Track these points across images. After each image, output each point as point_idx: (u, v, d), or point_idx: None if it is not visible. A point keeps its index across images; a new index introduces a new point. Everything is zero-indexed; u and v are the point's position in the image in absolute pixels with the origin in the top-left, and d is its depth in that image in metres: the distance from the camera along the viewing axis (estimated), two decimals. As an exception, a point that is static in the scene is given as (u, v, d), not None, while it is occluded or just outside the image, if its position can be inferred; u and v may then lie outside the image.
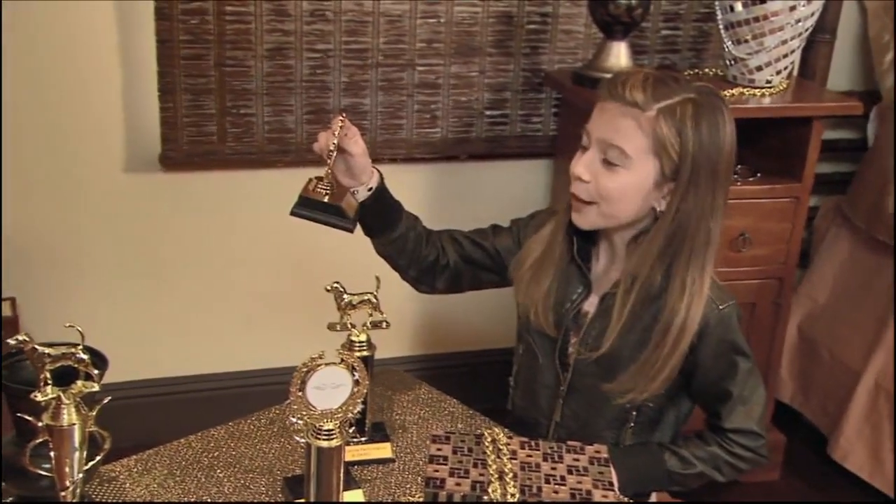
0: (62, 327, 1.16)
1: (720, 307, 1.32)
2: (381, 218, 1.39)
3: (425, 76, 2.19)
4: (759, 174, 2.08)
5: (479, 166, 2.32)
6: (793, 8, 1.92)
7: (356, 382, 1.16)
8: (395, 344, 2.33)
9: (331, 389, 1.15)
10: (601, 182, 1.26)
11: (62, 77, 2.01)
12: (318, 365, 1.14)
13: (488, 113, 2.26)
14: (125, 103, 2.07)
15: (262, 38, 2.05)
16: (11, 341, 1.07)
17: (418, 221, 1.47)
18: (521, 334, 1.45)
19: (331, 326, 1.35)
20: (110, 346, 1.82)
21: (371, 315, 1.35)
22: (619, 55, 2.03)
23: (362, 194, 1.36)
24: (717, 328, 1.31)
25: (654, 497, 1.50)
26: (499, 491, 1.15)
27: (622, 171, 1.25)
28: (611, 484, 1.16)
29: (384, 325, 1.35)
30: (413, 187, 2.30)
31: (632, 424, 1.38)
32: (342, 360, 1.17)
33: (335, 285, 1.34)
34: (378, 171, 1.38)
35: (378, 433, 1.39)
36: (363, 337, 1.34)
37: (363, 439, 1.37)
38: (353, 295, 1.34)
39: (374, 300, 1.35)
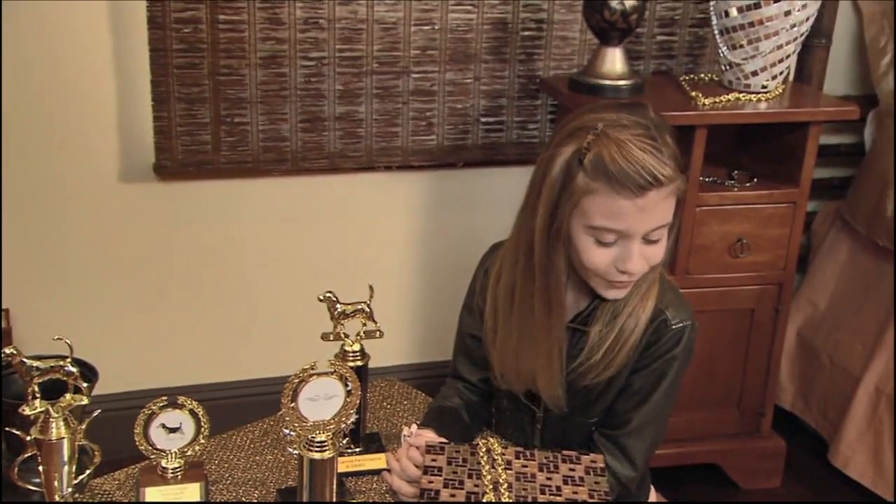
0: (56, 339, 1.15)
1: (673, 325, 1.27)
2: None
3: (420, 83, 2.18)
4: (755, 180, 2.07)
5: (475, 173, 2.32)
6: (788, 12, 1.92)
7: (349, 393, 1.15)
8: (391, 353, 2.32)
9: (323, 400, 1.14)
10: (652, 259, 1.20)
11: (56, 86, 2.01)
12: (310, 376, 1.13)
13: (484, 120, 2.25)
14: (119, 113, 2.06)
15: (256, 47, 2.05)
16: (-1, 354, 1.06)
17: (466, 413, 1.40)
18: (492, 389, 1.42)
19: (324, 336, 1.33)
20: (104, 357, 1.82)
21: (365, 325, 1.34)
22: (615, 61, 2.02)
23: None
24: (666, 344, 1.27)
25: (653, 497, 1.49)
26: (494, 502, 1.13)
27: (664, 238, 1.21)
28: (606, 494, 1.15)
29: (378, 334, 1.34)
30: (409, 195, 2.30)
31: None
32: (334, 370, 1.16)
33: (328, 295, 1.33)
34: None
35: (373, 444, 1.38)
36: (357, 347, 1.33)
37: (358, 450, 1.35)
38: (347, 304, 1.33)
39: (367, 309, 1.34)
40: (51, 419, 1.06)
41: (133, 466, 1.28)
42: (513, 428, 1.42)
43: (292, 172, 2.18)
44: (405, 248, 2.34)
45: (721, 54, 2.03)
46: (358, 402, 1.17)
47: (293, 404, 1.13)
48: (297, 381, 1.13)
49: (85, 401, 1.08)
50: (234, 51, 2.04)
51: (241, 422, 1.42)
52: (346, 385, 1.16)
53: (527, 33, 2.20)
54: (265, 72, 2.07)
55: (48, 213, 2.09)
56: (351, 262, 2.28)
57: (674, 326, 1.27)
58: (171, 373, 2.23)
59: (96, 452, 1.12)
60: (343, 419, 1.14)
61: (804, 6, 1.93)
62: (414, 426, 1.29)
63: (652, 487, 1.49)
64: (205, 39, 2.01)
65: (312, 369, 1.13)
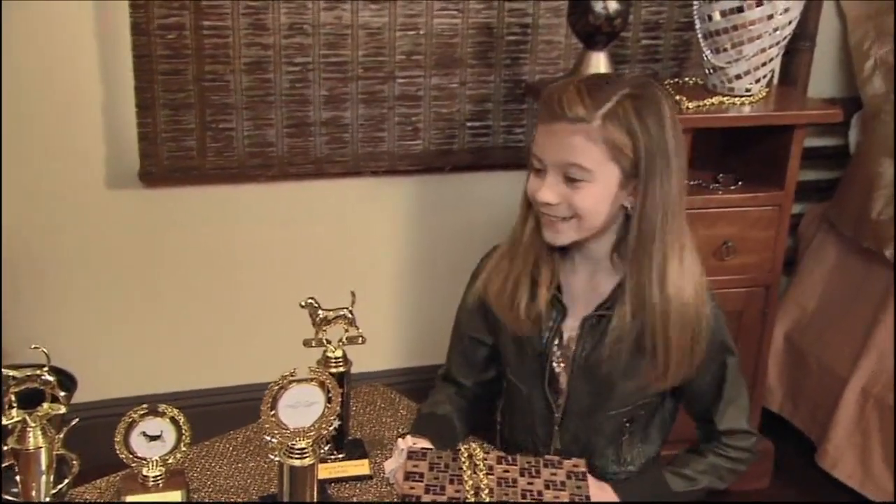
0: (41, 344, 1.14)
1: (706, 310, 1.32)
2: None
3: (406, 88, 2.18)
4: (740, 182, 2.07)
5: (462, 178, 2.32)
6: (770, 16, 1.92)
7: (329, 400, 1.15)
8: (378, 357, 2.32)
9: (304, 407, 1.14)
10: (573, 201, 1.25)
11: (41, 93, 2.00)
12: (290, 383, 1.13)
13: (470, 124, 2.25)
14: (104, 119, 2.06)
15: (241, 52, 2.05)
16: (-25, 363, 1.05)
17: (457, 420, 1.42)
18: (503, 371, 1.44)
19: (306, 343, 1.33)
20: (86, 364, 1.82)
21: (347, 330, 1.34)
22: (600, 65, 2.03)
23: None
24: (702, 339, 1.31)
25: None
26: (475, 508, 1.13)
27: (587, 184, 1.24)
28: (588, 498, 1.15)
29: (360, 340, 1.34)
30: (396, 200, 2.30)
31: (626, 436, 1.38)
32: (314, 377, 1.15)
33: (309, 301, 1.32)
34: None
35: (356, 449, 1.38)
36: (339, 353, 1.33)
37: (341, 456, 1.35)
38: (328, 311, 1.33)
39: (349, 315, 1.34)
40: (28, 429, 1.05)
41: (114, 475, 1.28)
42: (524, 433, 1.42)
43: (278, 178, 2.18)
44: (392, 252, 2.34)
45: (705, 58, 2.04)
46: (338, 408, 1.17)
47: (273, 412, 1.12)
48: (276, 388, 1.12)
49: (62, 410, 1.07)
50: (218, 56, 2.04)
51: (224, 429, 1.42)
52: (327, 392, 1.15)
53: (512, 38, 2.20)
54: (250, 77, 2.07)
55: (33, 219, 2.08)
56: (338, 268, 2.28)
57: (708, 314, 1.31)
58: (154, 380, 2.22)
59: (75, 462, 1.12)
60: (323, 426, 1.14)
61: (786, 10, 1.93)
62: (409, 438, 1.29)
63: None
64: (189, 45, 2.01)
65: (292, 376, 1.13)
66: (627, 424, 1.37)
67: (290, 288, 2.22)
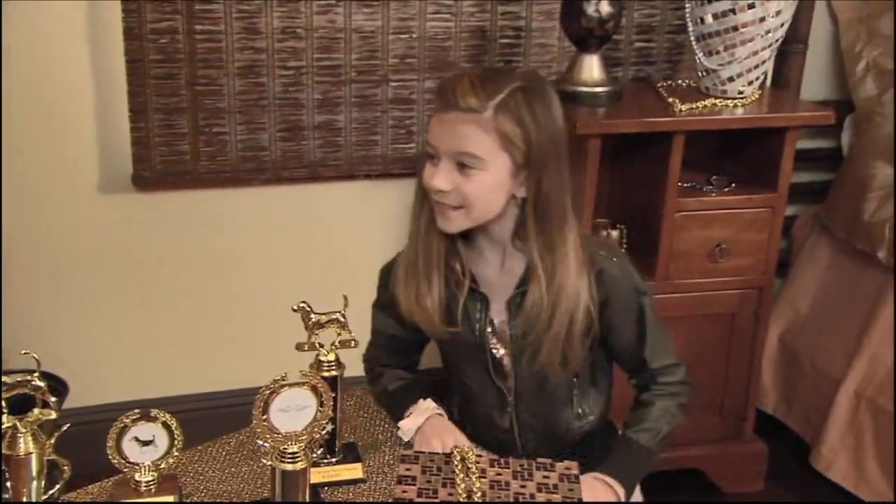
0: (33, 348, 1.14)
1: (614, 259, 1.38)
2: None
3: (399, 92, 2.18)
4: (734, 185, 2.08)
5: (455, 181, 2.31)
6: (762, 19, 1.93)
7: (321, 403, 1.15)
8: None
9: (295, 411, 1.14)
10: (463, 189, 1.30)
11: (33, 98, 2.00)
12: (282, 387, 1.13)
13: (464, 127, 2.25)
14: (97, 124, 2.05)
15: (234, 57, 2.05)
16: (-36, 369, 1.05)
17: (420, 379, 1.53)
18: (449, 372, 1.50)
19: (298, 346, 1.33)
20: (79, 369, 1.81)
21: (339, 334, 1.34)
22: (592, 68, 2.03)
23: None
24: (621, 280, 1.37)
25: (639, 497, 1.50)
26: (467, 512, 1.13)
27: (479, 172, 1.29)
28: (580, 500, 1.15)
29: (352, 343, 1.34)
30: (390, 203, 2.29)
31: (576, 391, 1.45)
32: (306, 381, 1.15)
33: (302, 305, 1.33)
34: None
35: (349, 453, 1.38)
36: (332, 356, 1.33)
37: (334, 460, 1.35)
38: (321, 314, 1.33)
39: (341, 319, 1.34)
40: (18, 434, 1.05)
41: (106, 480, 1.27)
42: (484, 426, 1.46)
43: (272, 182, 2.18)
44: (385, 256, 2.32)
45: (698, 61, 2.04)
46: (330, 412, 1.17)
47: (265, 416, 1.12)
48: (268, 392, 1.12)
49: (53, 415, 1.07)
50: (211, 61, 2.04)
51: (217, 433, 1.42)
52: (319, 395, 1.15)
53: (505, 41, 2.21)
54: (243, 81, 2.07)
55: (26, 223, 2.07)
56: (331, 271, 2.27)
57: (615, 260, 1.37)
58: (146, 384, 2.21)
59: (66, 467, 1.11)
60: (315, 430, 1.14)
61: (778, 12, 1.94)
62: (429, 401, 1.35)
63: (638, 488, 1.50)
64: (182, 50, 2.01)
65: (283, 380, 1.13)
66: (575, 380, 1.43)
67: (284, 292, 2.21)
